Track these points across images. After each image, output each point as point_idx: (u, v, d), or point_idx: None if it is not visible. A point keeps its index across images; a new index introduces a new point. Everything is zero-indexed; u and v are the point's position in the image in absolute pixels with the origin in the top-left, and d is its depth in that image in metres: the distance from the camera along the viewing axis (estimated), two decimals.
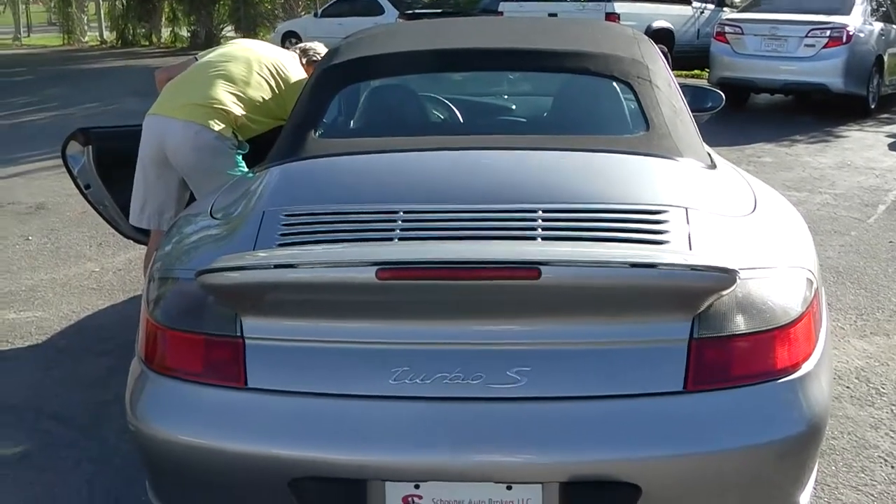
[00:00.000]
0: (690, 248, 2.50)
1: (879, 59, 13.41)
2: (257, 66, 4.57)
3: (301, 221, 2.67)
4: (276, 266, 2.31)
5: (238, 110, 4.44)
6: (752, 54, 13.26)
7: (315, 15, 23.90)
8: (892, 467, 3.69)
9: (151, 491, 2.72)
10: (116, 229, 5.28)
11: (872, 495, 3.50)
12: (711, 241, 2.56)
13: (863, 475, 3.64)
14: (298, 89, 4.01)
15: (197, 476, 2.50)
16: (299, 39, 22.53)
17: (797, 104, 14.38)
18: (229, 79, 4.50)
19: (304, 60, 4.79)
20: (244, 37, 29.29)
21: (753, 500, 2.45)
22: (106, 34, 30.61)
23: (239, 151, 4.46)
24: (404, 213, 2.63)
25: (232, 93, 4.46)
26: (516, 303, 2.30)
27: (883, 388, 4.40)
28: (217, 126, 4.39)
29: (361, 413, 2.35)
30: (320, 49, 4.79)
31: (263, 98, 4.52)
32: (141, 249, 5.55)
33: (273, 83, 4.55)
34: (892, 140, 11.41)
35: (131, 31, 28.87)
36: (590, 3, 16.02)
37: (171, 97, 4.59)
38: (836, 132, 11.95)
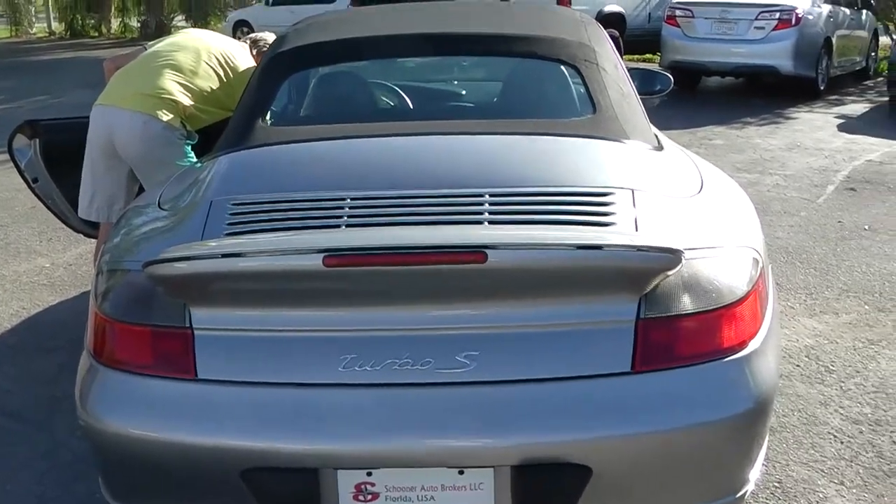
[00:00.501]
0: (636, 230, 2.51)
1: (828, 40, 13.57)
2: (206, 55, 4.53)
3: (249, 210, 2.65)
4: (224, 255, 2.30)
5: (186, 100, 4.41)
6: (702, 38, 13.38)
7: (266, 3, 23.69)
8: (842, 443, 3.75)
9: (104, 486, 2.70)
10: (66, 223, 5.23)
11: (822, 471, 3.55)
12: (657, 222, 2.58)
13: (813, 451, 3.70)
14: (247, 79, 3.98)
15: (149, 469, 2.49)
16: (251, 28, 22.35)
17: (748, 87, 14.53)
18: (177, 68, 4.47)
19: (254, 52, 4.76)
20: (195, 26, 29.03)
21: (703, 477, 2.47)
22: (55, 25, 30.19)
23: (188, 142, 4.43)
24: (352, 199, 2.63)
25: (180, 82, 4.43)
26: (463, 287, 2.31)
27: (832, 366, 4.47)
28: (165, 116, 4.35)
29: (312, 402, 2.34)
30: (270, 39, 4.76)
31: (212, 88, 4.49)
32: (91, 243, 5.49)
33: (221, 72, 4.52)
34: (841, 121, 11.55)
35: (80, 22, 28.50)
36: None
37: (118, 87, 4.54)
38: (786, 114, 12.08)
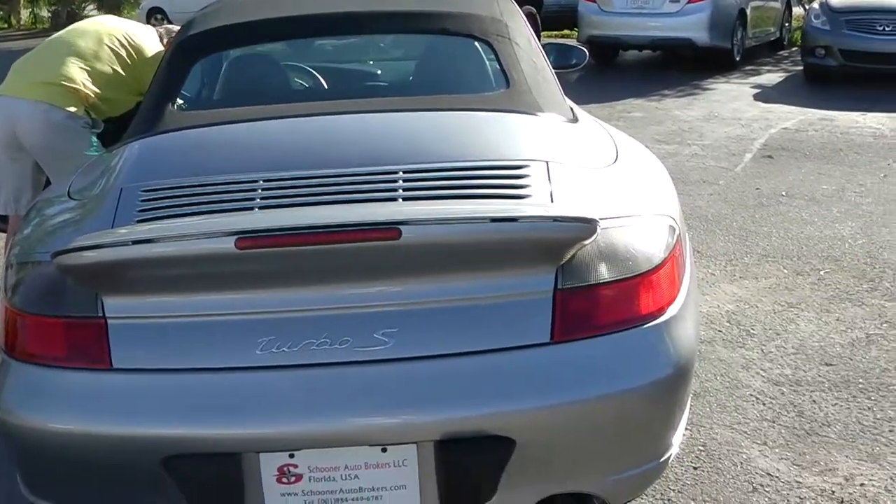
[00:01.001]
0: (552, 201, 2.52)
1: (742, 12, 13.76)
2: (108, 38, 4.43)
3: (159, 196, 2.60)
4: (135, 242, 2.25)
5: (88, 86, 4.31)
6: (618, 12, 13.49)
7: None
8: (764, 405, 3.82)
9: (23, 483, 2.64)
10: None
11: (746, 432, 3.61)
12: (573, 192, 2.59)
13: (736, 414, 3.76)
14: (155, 63, 3.91)
15: (68, 462, 2.44)
16: (165, 15, 22.01)
17: (665, 60, 14.67)
18: (78, 54, 4.36)
19: (165, 42, 4.66)
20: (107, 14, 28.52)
21: (626, 444, 2.49)
22: None
23: (93, 130, 4.33)
24: (264, 181, 2.59)
25: (81, 68, 4.33)
26: (379, 265, 2.29)
27: (753, 330, 4.54)
28: (67, 104, 4.26)
29: (230, 386, 2.31)
30: None
31: (116, 71, 4.39)
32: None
33: (125, 54, 4.42)
34: (757, 91, 11.74)
35: None
36: None
37: (18, 77, 4.43)
38: (704, 85, 12.24)
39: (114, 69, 4.38)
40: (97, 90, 4.34)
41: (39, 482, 2.58)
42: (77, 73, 4.30)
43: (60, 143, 4.26)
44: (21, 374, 2.47)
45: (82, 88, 4.29)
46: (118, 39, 4.43)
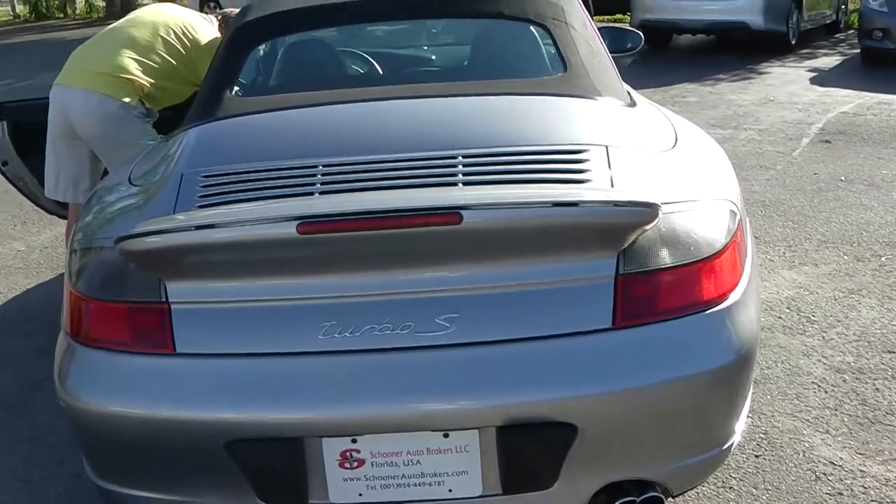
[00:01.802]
0: (612, 185, 2.49)
1: None
2: (163, 29, 4.45)
3: (220, 181, 2.62)
4: (197, 227, 2.26)
5: (142, 76, 4.34)
6: None
7: None
8: (826, 392, 3.77)
9: (88, 465, 2.68)
10: (38, 204, 5.18)
11: (808, 420, 3.56)
12: (633, 177, 2.56)
13: (797, 402, 3.71)
14: (211, 51, 3.93)
15: (132, 446, 2.47)
16: (218, 2, 22.14)
17: (719, 44, 14.52)
18: (133, 44, 4.39)
19: (223, 28, 4.68)
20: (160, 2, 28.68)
21: (689, 431, 2.47)
22: (19, 8, 29.80)
23: (148, 119, 4.37)
24: (324, 166, 2.59)
25: (135, 59, 4.35)
26: (440, 249, 2.28)
27: (813, 317, 4.48)
28: (121, 94, 4.29)
29: (293, 371, 2.32)
30: None
31: (170, 62, 4.41)
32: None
33: (180, 46, 4.44)
34: (813, 74, 11.57)
35: (44, 4, 28.14)
36: None
37: (74, 66, 4.47)
38: (759, 69, 12.09)
39: (168, 60, 4.40)
40: (152, 80, 4.36)
41: (104, 465, 2.61)
42: (131, 64, 4.33)
43: (114, 132, 4.29)
44: (85, 359, 2.49)
45: (137, 78, 4.32)
46: (174, 31, 4.45)
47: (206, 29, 4.58)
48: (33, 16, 27.77)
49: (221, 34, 4.60)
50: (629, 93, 3.33)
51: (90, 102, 4.31)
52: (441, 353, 2.30)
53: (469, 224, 2.16)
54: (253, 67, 3.78)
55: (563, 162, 2.57)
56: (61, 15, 27.67)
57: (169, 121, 4.33)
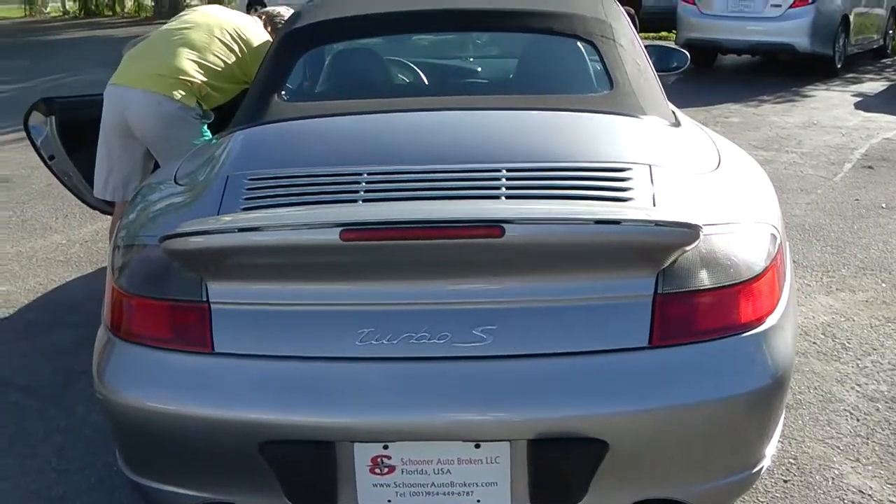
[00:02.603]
0: (654, 205, 2.50)
1: (845, 18, 13.47)
2: (218, 31, 4.51)
3: (265, 185, 2.65)
4: (241, 230, 2.29)
5: (200, 78, 4.39)
6: (718, 15, 13.30)
7: None
8: (858, 420, 3.74)
9: (121, 459, 2.71)
10: (82, 200, 5.24)
11: (839, 448, 3.55)
12: (675, 197, 2.57)
13: (829, 428, 3.69)
14: (262, 53, 3.98)
15: (166, 443, 2.50)
16: (264, 5, 22.28)
17: (764, 64, 14.45)
18: (190, 46, 4.44)
19: (269, 27, 4.73)
20: (209, 3, 28.82)
21: (719, 453, 2.47)
22: (68, 4, 30.12)
23: (204, 121, 4.43)
24: (368, 174, 2.62)
25: (194, 60, 4.41)
26: (480, 261, 2.30)
27: (848, 343, 4.45)
28: (180, 96, 4.34)
29: (329, 375, 2.35)
30: (286, 14, 4.73)
31: (226, 63, 4.47)
32: (107, 220, 5.50)
33: (236, 48, 4.50)
34: (858, 99, 11.49)
35: (94, 1, 28.44)
36: None
37: (131, 66, 4.53)
38: (803, 92, 12.02)
39: (225, 61, 4.45)
40: (209, 81, 4.42)
41: (138, 460, 2.64)
42: (190, 66, 4.39)
43: (173, 132, 4.35)
44: (125, 354, 2.53)
45: (195, 80, 4.37)
46: (229, 33, 4.51)
47: (257, 30, 4.64)
48: (83, 13, 28.08)
49: (268, 32, 4.65)
50: (674, 112, 3.34)
51: (150, 103, 4.36)
52: (476, 365, 2.31)
53: (510, 238, 2.18)
54: (300, 73, 3.81)
55: (606, 179, 2.58)
56: (110, 13, 27.97)
57: (218, 121, 4.39)
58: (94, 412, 3.70)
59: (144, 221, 2.83)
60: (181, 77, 4.36)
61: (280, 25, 4.56)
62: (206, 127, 4.42)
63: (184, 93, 4.36)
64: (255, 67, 3.81)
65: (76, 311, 4.91)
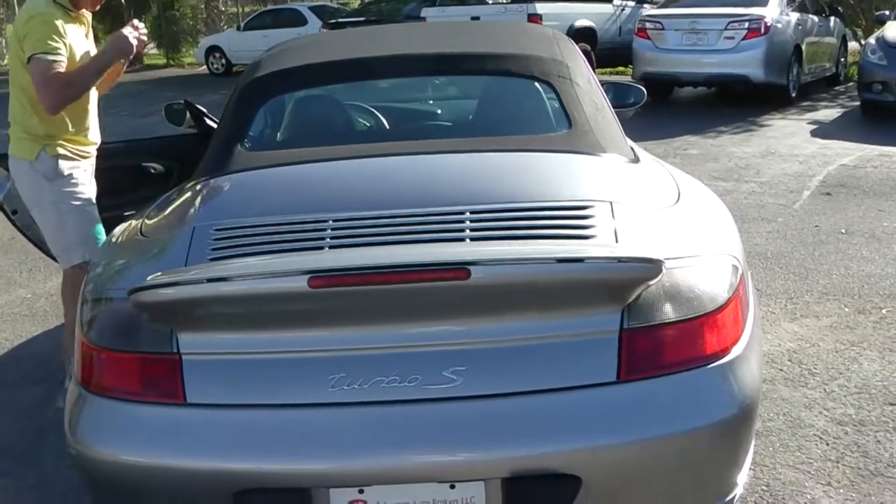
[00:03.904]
0: (616, 241, 2.54)
1: (798, 48, 13.72)
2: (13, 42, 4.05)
3: (232, 235, 2.66)
4: (209, 280, 2.31)
5: (35, 123, 4.07)
6: (673, 49, 13.50)
7: (238, 28, 23.72)
8: (828, 444, 3.78)
9: None
10: (45, 253, 5.18)
11: (810, 472, 3.58)
12: (637, 232, 2.61)
13: (799, 454, 3.73)
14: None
15: (142, 495, 2.50)
16: (223, 54, 22.32)
17: (720, 96, 14.65)
18: (15, 84, 4.08)
19: None
20: (167, 55, 28.77)
21: (691, 483, 2.50)
22: None
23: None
24: (334, 221, 2.64)
25: (19, 101, 4.08)
26: (448, 304, 2.33)
27: (815, 369, 4.51)
28: (25, 150, 4.10)
29: (302, 422, 2.36)
30: None
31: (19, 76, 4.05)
32: None
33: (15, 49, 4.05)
34: (814, 127, 11.67)
35: None
36: (512, 6, 16.12)
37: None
38: (760, 122, 12.20)
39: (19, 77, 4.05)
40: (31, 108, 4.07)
41: None
42: (18, 110, 4.10)
43: (28, 195, 4.19)
44: (96, 408, 2.53)
45: (29, 123, 4.10)
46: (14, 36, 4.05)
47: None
48: None
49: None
50: (633, 148, 3.39)
51: (16, 170, 4.18)
52: (448, 406, 2.33)
53: (476, 279, 2.20)
54: (262, 121, 3.84)
55: (568, 218, 2.62)
56: None
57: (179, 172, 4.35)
58: (65, 467, 3.67)
59: (112, 274, 2.84)
60: (18, 128, 4.11)
61: None
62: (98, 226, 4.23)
63: (28, 143, 4.10)
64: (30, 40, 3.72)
65: (42, 365, 4.87)
